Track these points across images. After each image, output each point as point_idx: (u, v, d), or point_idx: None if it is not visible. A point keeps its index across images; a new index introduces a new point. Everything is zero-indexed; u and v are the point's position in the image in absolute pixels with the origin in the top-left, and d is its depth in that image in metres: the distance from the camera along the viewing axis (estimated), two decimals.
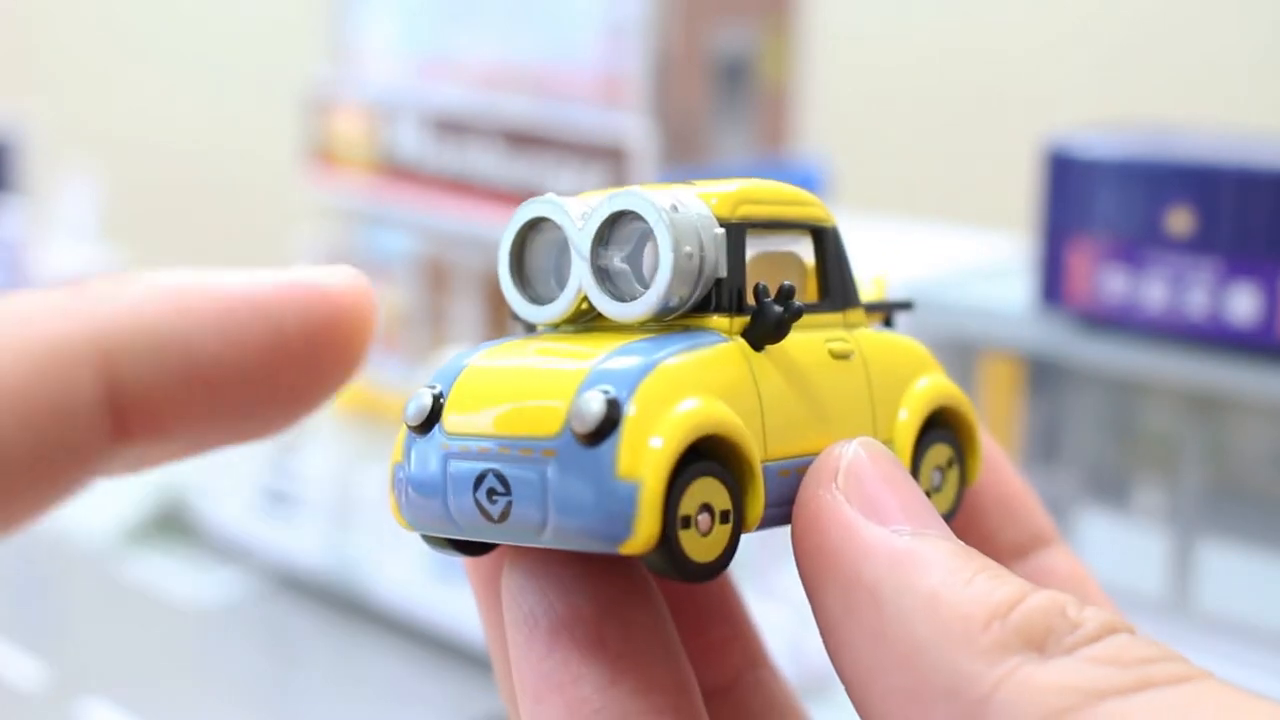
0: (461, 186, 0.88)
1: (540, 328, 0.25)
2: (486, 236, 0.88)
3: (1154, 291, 0.65)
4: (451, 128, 0.88)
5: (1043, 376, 0.73)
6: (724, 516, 0.22)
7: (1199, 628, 0.67)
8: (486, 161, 0.86)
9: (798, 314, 0.23)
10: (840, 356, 0.25)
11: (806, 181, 0.93)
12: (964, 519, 0.27)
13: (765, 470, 0.23)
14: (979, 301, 0.73)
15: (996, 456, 0.28)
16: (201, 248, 1.65)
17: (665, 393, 0.21)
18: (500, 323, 0.91)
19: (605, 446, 0.21)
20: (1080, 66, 1.16)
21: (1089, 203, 0.67)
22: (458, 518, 0.22)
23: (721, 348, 0.23)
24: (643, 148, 0.77)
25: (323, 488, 0.84)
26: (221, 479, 0.90)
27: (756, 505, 0.22)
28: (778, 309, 0.23)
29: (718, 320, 0.23)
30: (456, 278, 0.93)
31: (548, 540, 0.22)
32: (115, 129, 1.70)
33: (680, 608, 0.26)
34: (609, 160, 0.79)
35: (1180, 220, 0.64)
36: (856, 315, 0.26)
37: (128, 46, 1.77)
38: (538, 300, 0.25)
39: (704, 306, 0.23)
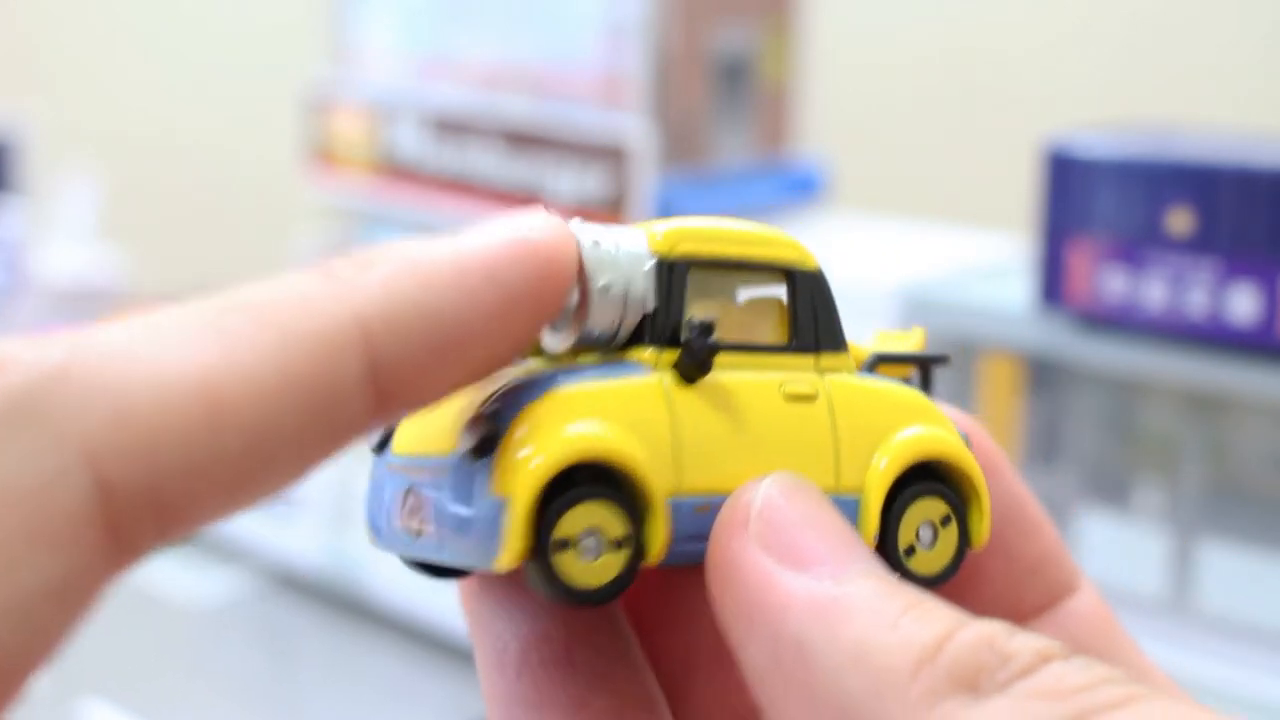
0: (461, 186, 0.88)
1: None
2: None
3: (1154, 291, 0.65)
4: (451, 128, 0.88)
5: (1043, 376, 0.73)
6: (617, 544, 0.22)
7: (1199, 628, 0.67)
8: (486, 161, 0.86)
9: (714, 349, 0.23)
10: (797, 399, 0.24)
11: (806, 182, 0.93)
12: (995, 589, 0.26)
13: (677, 504, 0.22)
14: (979, 301, 0.73)
15: (1032, 516, 0.27)
16: (201, 248, 1.65)
17: (551, 417, 0.22)
18: None
19: (483, 463, 0.22)
20: (1080, 66, 1.16)
21: (1089, 203, 0.67)
22: (396, 536, 0.24)
23: (639, 379, 0.23)
24: (643, 148, 0.77)
25: (322, 488, 0.84)
26: None
27: (658, 537, 0.22)
28: (698, 343, 0.23)
29: (645, 353, 0.24)
30: None
31: (445, 558, 0.22)
32: (115, 129, 1.70)
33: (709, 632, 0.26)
34: (609, 160, 0.78)
35: (1180, 220, 0.64)
36: (836, 361, 0.25)
37: (128, 46, 1.77)
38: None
39: (638, 339, 0.24)
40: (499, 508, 0.21)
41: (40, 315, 1.20)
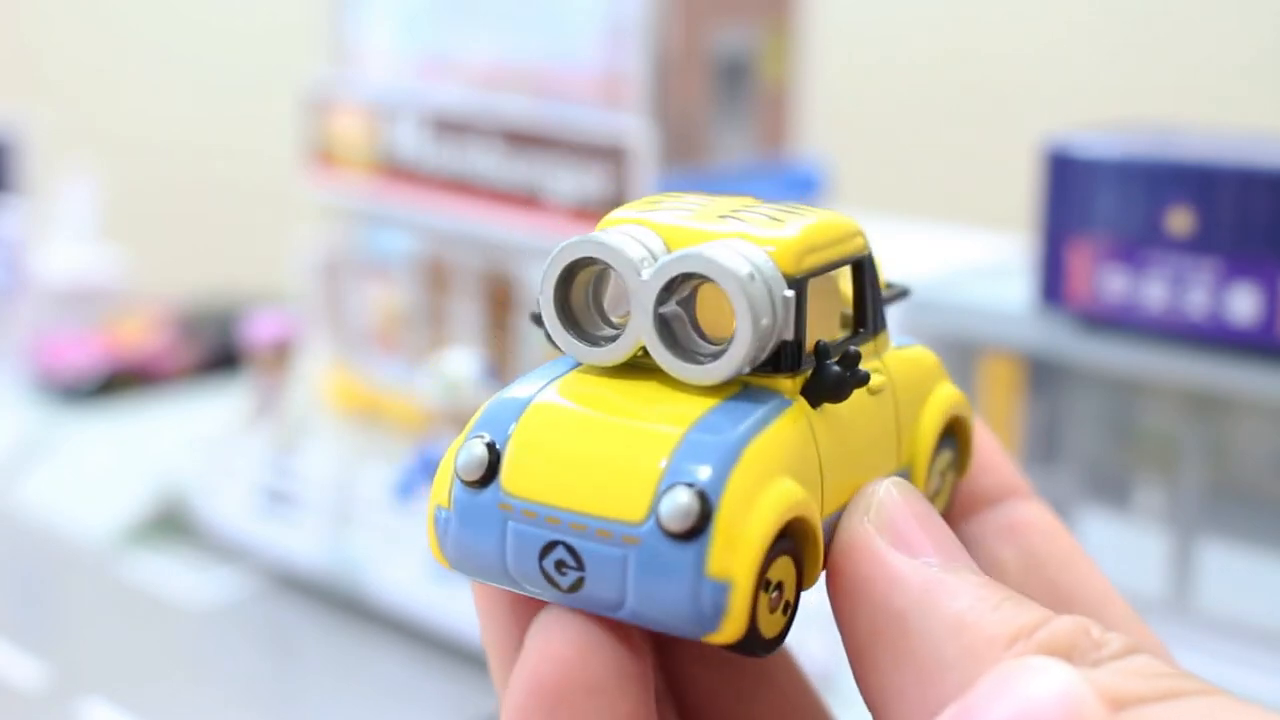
0: (461, 186, 0.88)
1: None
2: (486, 236, 0.88)
3: (1154, 291, 0.65)
4: (451, 128, 0.88)
5: (1043, 376, 0.73)
6: (782, 587, 0.22)
7: (1199, 628, 0.67)
8: (486, 161, 0.86)
9: (863, 380, 0.23)
10: (875, 392, 0.25)
11: (806, 182, 0.93)
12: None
13: (823, 527, 0.23)
14: (979, 301, 0.73)
15: (984, 426, 0.29)
16: (201, 248, 1.65)
17: (751, 483, 0.21)
18: (501, 323, 0.91)
19: (695, 545, 0.21)
20: (1080, 66, 1.16)
21: (1089, 203, 0.67)
22: (518, 577, 0.22)
23: (789, 415, 0.22)
24: (643, 148, 0.77)
25: (323, 488, 0.84)
26: (221, 479, 0.90)
27: (815, 568, 0.23)
28: (841, 372, 0.23)
29: (783, 382, 0.23)
30: (456, 278, 0.93)
31: (623, 616, 0.21)
32: (115, 129, 1.70)
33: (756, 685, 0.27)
34: (609, 160, 0.78)
35: (1180, 220, 0.64)
36: (884, 337, 0.26)
37: (128, 47, 1.77)
38: (584, 338, 0.24)
39: (765, 365, 0.23)
40: (720, 591, 0.21)
41: (40, 315, 1.20)
